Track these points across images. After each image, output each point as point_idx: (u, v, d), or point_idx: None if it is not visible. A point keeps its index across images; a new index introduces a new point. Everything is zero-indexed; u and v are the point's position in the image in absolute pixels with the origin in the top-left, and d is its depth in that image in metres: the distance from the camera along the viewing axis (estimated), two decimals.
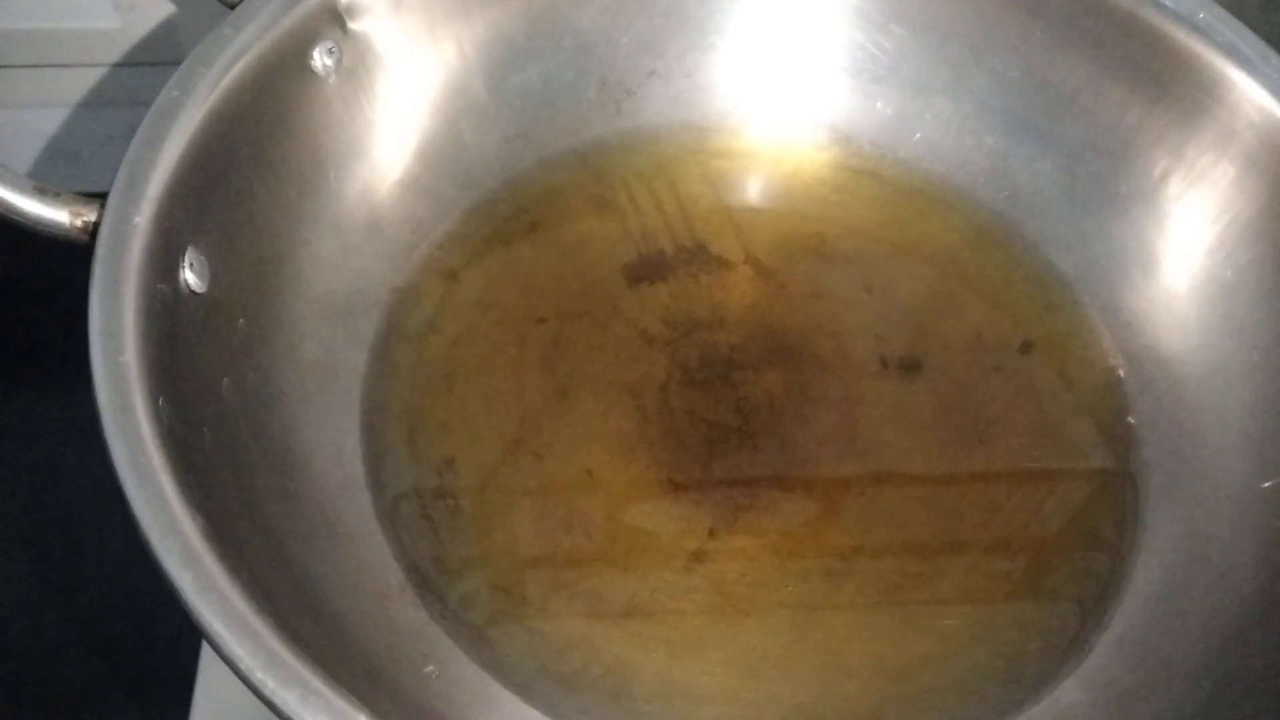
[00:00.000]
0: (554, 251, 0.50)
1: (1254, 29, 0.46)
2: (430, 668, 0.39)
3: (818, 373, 0.48)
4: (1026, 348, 0.49)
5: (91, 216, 0.36)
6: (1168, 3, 0.47)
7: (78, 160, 0.62)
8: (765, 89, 0.54)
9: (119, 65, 0.59)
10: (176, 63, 0.40)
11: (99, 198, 0.37)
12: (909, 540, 0.44)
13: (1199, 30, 0.46)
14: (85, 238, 0.36)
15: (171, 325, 0.36)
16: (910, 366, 0.48)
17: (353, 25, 0.45)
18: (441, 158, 0.50)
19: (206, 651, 0.41)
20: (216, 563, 0.30)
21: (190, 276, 0.38)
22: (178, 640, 0.40)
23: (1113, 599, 0.43)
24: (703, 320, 0.49)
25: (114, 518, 0.31)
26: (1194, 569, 0.43)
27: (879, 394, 0.47)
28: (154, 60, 0.59)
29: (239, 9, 0.42)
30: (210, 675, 0.40)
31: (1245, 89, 0.45)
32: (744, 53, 0.53)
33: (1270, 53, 0.45)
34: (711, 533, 0.44)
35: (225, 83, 0.40)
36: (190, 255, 0.38)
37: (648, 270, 0.50)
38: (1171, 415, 0.47)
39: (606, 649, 0.41)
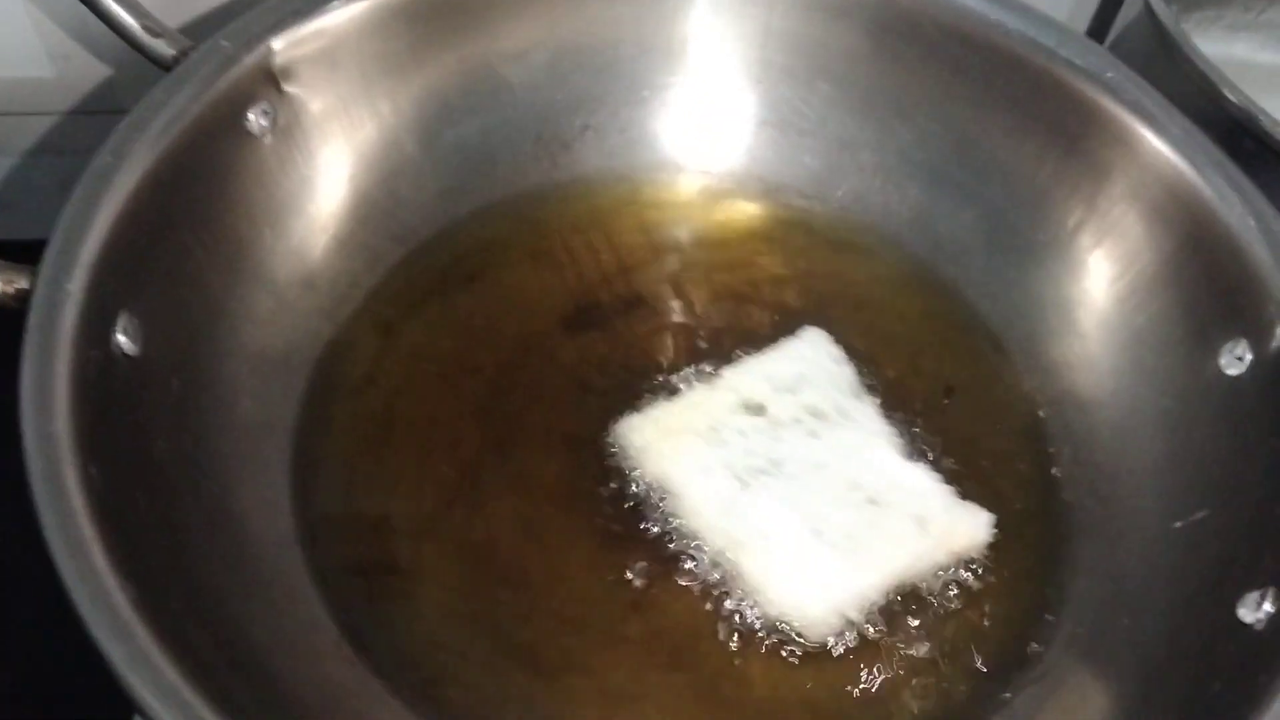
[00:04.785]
0: (491, 303, 0.51)
1: None
2: None
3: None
4: (949, 393, 0.50)
5: (24, 283, 0.37)
6: (1078, 61, 0.49)
7: (10, 208, 0.62)
8: (697, 142, 0.55)
9: (54, 114, 0.59)
10: (112, 112, 0.41)
11: (30, 263, 0.37)
12: None
13: (1108, 88, 0.48)
14: (17, 305, 0.36)
15: (104, 391, 0.37)
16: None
17: (288, 86, 0.46)
18: (378, 213, 0.50)
19: None
20: (148, 633, 0.30)
21: (123, 340, 0.39)
22: None
23: (1039, 641, 0.44)
24: (639, 368, 0.50)
25: None
26: (1115, 610, 0.44)
27: None
28: (89, 109, 0.59)
29: (174, 72, 0.43)
30: None
31: (1151, 143, 0.48)
32: (676, 107, 0.55)
33: (1173, 109, 0.47)
34: (648, 581, 0.44)
35: (160, 146, 0.41)
36: (124, 319, 0.39)
37: (584, 320, 0.51)
38: (1090, 458, 0.48)
39: (544, 703, 0.41)
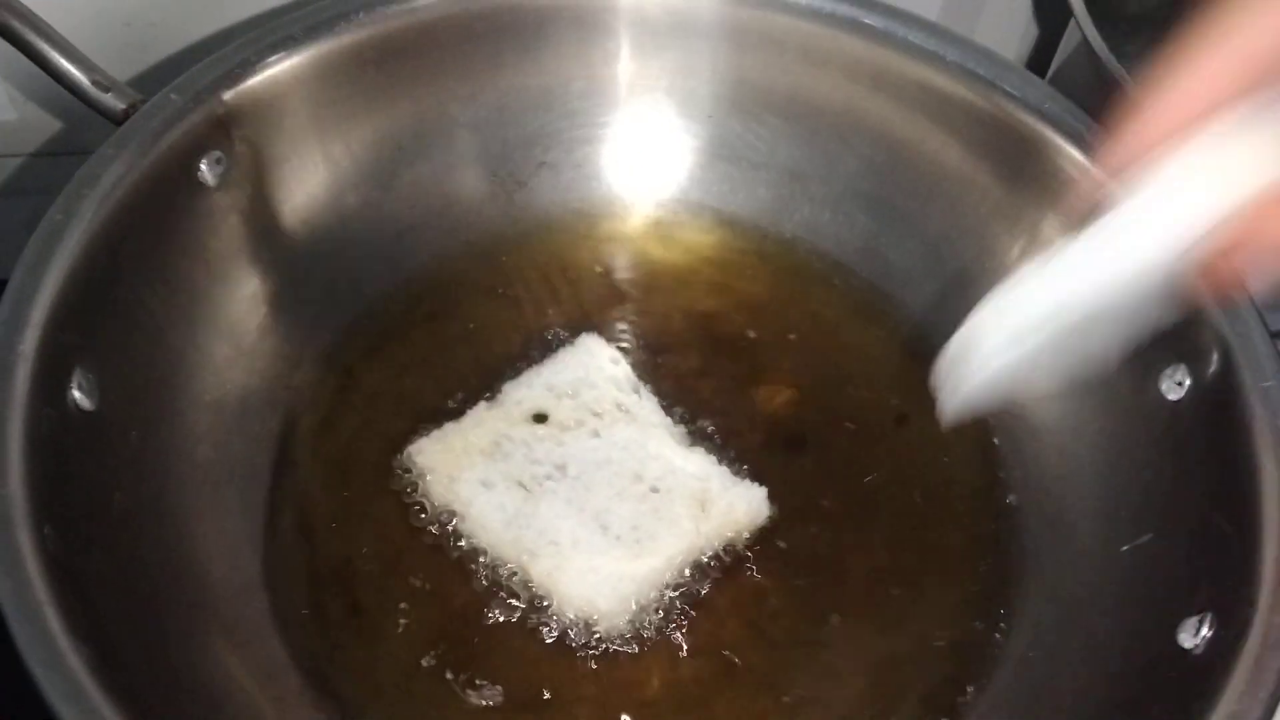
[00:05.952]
0: (450, 340, 0.52)
1: None
2: None
3: (708, 449, 0.50)
4: (902, 420, 0.51)
5: None
6: (1017, 93, 0.50)
7: None
8: (651, 176, 0.56)
9: (18, 156, 0.59)
10: (75, 153, 0.41)
11: None
12: (799, 610, 0.46)
13: (1046, 119, 0.49)
14: None
15: (59, 448, 0.37)
16: (795, 443, 0.50)
17: (239, 135, 0.46)
18: (335, 255, 0.51)
19: None
20: (102, 695, 0.31)
21: (78, 396, 0.39)
22: None
23: (991, 664, 0.45)
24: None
25: None
26: (1064, 633, 0.45)
27: (766, 470, 0.49)
28: (53, 151, 0.59)
29: (124, 126, 0.43)
30: None
31: (1090, 173, 0.48)
32: (629, 142, 0.56)
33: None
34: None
35: (111, 202, 0.41)
36: (78, 375, 0.39)
37: (543, 355, 0.52)
38: (1039, 482, 0.49)
39: None
